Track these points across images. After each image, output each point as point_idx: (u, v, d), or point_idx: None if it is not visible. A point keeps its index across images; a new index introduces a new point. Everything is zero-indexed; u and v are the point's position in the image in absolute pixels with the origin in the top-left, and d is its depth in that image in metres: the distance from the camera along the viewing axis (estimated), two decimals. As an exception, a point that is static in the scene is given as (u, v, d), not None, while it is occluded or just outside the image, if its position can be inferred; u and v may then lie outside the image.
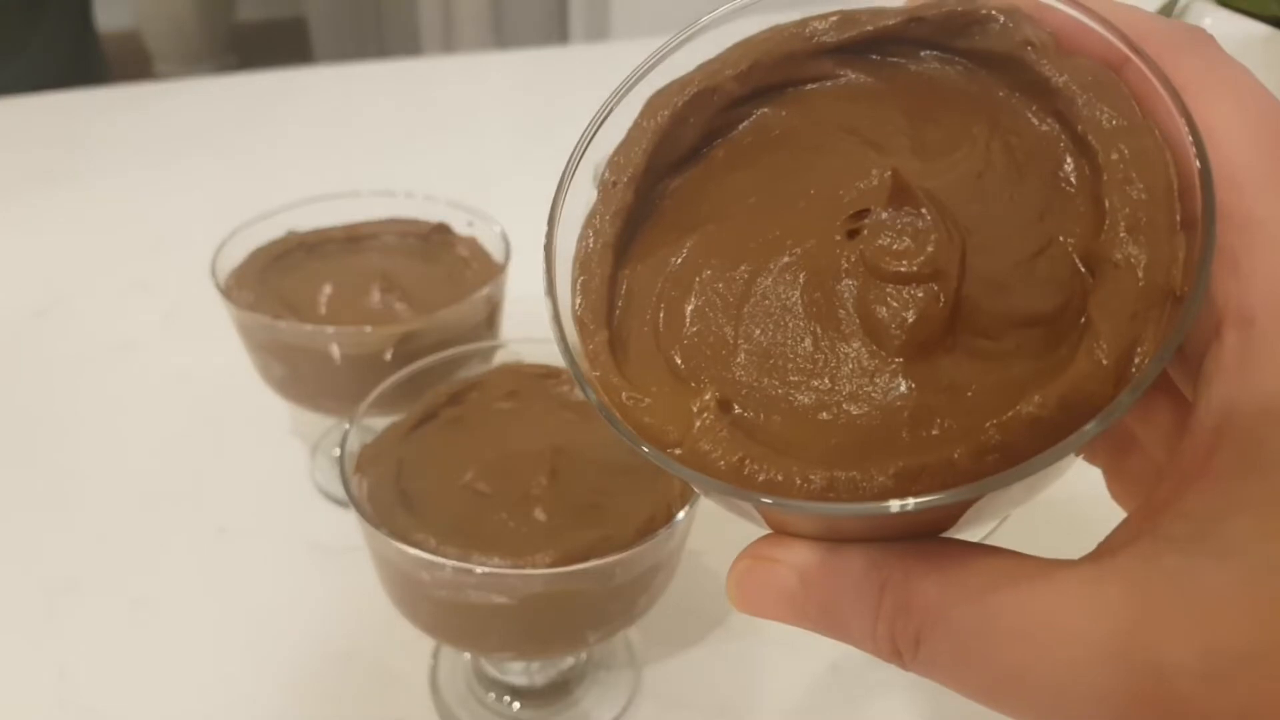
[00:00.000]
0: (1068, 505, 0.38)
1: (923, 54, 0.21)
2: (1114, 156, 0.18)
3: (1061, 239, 0.18)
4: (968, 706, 0.44)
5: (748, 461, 0.17)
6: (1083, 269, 0.18)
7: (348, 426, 0.35)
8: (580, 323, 0.20)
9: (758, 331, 0.19)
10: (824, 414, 0.18)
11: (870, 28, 0.21)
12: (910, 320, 0.18)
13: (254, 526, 0.46)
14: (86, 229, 0.71)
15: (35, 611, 0.42)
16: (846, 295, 0.19)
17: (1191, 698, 0.15)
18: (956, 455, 0.16)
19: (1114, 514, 0.20)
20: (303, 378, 0.44)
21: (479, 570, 0.30)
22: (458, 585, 0.31)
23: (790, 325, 0.19)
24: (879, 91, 0.21)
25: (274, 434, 0.52)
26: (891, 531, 0.18)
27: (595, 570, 0.31)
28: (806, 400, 0.18)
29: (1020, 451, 0.16)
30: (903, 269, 0.18)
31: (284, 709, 0.38)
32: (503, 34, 2.13)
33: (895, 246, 0.18)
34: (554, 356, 0.40)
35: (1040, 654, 0.16)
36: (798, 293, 0.19)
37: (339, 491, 0.46)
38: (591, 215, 0.20)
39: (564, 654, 0.38)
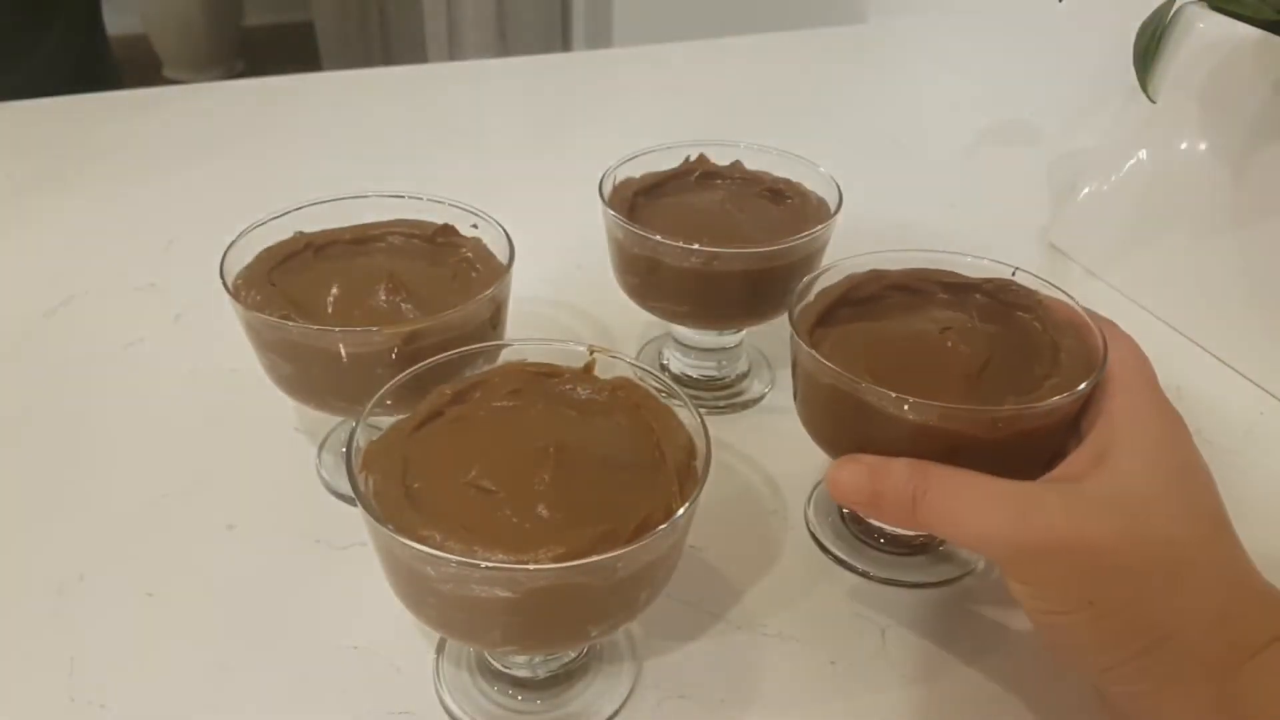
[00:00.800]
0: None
1: (978, 296, 0.44)
2: (1068, 344, 0.40)
3: (1038, 369, 0.40)
4: (959, 702, 0.44)
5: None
6: (1046, 381, 0.38)
7: (354, 425, 0.36)
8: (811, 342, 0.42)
9: (898, 355, 0.41)
10: (920, 387, 0.37)
11: (956, 282, 0.45)
12: (963, 368, 0.39)
13: (262, 523, 0.47)
14: (97, 231, 0.72)
15: (46, 606, 0.42)
16: (938, 352, 0.40)
17: (1057, 526, 0.32)
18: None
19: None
20: (310, 377, 0.44)
21: (483, 565, 0.31)
22: (462, 580, 0.31)
23: (910, 354, 0.41)
24: (953, 303, 0.44)
25: (281, 432, 0.53)
26: (933, 443, 0.36)
27: (598, 565, 0.31)
28: (911, 380, 0.38)
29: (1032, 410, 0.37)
30: (963, 350, 0.40)
31: (291, 701, 0.39)
32: (506, 41, 2.14)
33: (963, 340, 0.40)
34: (556, 355, 0.40)
35: (986, 503, 0.33)
36: (916, 346, 0.41)
37: (345, 488, 0.47)
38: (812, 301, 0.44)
39: (567, 648, 0.39)
